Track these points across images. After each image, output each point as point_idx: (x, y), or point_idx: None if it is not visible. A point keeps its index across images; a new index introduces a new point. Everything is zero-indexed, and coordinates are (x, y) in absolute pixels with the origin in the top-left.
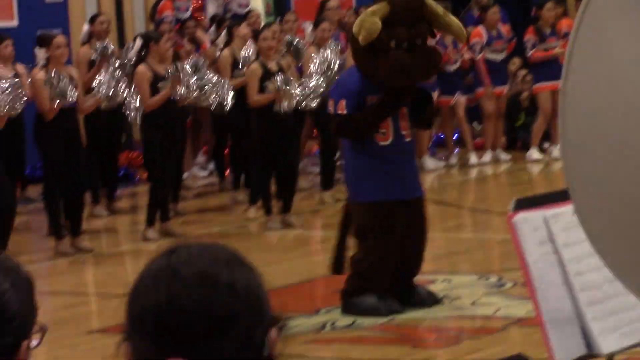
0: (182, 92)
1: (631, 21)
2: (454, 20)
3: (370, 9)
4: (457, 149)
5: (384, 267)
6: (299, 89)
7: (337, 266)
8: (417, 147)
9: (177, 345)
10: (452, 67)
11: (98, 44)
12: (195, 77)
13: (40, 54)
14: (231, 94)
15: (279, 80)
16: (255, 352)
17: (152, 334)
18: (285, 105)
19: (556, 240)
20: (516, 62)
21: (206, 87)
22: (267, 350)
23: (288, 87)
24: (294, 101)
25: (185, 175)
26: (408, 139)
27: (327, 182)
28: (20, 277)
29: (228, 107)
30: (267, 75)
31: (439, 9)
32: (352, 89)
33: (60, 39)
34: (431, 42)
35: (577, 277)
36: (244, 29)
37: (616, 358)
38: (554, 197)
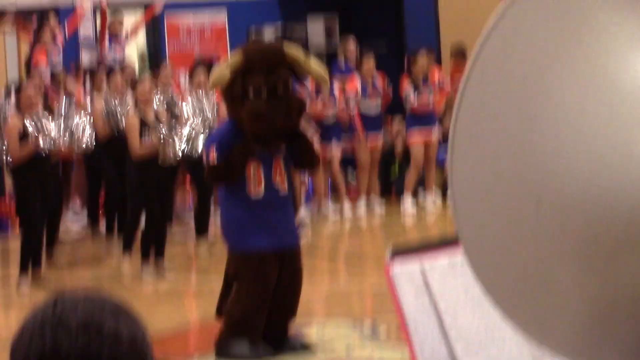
0: (47, 143)
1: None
2: (314, 66)
3: (227, 60)
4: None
5: (255, 315)
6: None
7: (220, 310)
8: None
9: None
10: (330, 119)
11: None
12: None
13: None
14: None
15: (163, 129)
16: None
17: None
18: (170, 154)
19: (432, 291)
20: (397, 118)
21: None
22: None
23: (171, 136)
24: (178, 150)
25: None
26: (283, 191)
27: (201, 228)
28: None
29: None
30: (144, 126)
31: (300, 55)
32: (223, 138)
33: None
34: (297, 87)
35: (452, 328)
36: (118, 79)
37: None
38: (431, 244)
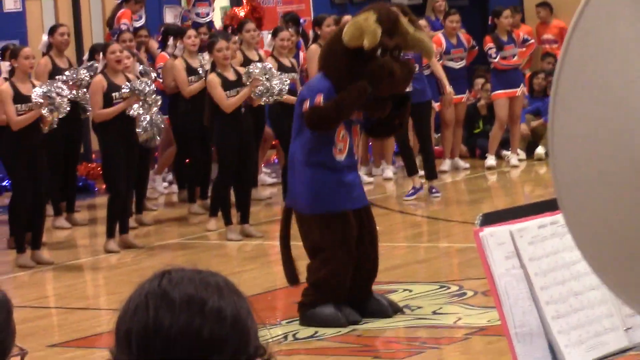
0: (138, 110)
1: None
2: (425, 36)
3: (360, 15)
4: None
5: (340, 277)
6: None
7: (292, 277)
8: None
9: None
10: (426, 72)
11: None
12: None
13: (4, 66)
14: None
15: (257, 67)
16: None
17: (137, 354)
18: (263, 96)
19: (522, 255)
20: (482, 70)
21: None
22: None
23: (264, 75)
24: (272, 92)
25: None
26: (356, 155)
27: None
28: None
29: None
30: (226, 84)
31: (410, 26)
32: (327, 86)
33: (28, 50)
34: None
35: (542, 291)
36: (188, 40)
37: None
38: (520, 211)
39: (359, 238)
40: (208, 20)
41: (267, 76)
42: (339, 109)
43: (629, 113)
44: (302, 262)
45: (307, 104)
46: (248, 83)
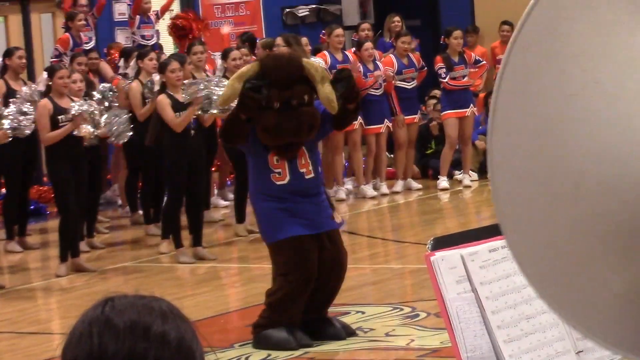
0: (87, 129)
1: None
2: (325, 91)
3: (240, 70)
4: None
5: (293, 301)
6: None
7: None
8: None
9: None
10: (378, 92)
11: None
12: (104, 114)
13: None
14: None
15: (192, 82)
16: None
17: None
18: (208, 107)
19: (473, 279)
20: (437, 93)
21: (113, 121)
22: None
23: (200, 85)
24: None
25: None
26: (309, 176)
27: (240, 215)
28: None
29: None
30: (176, 105)
31: (317, 74)
32: None
33: None
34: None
35: (493, 315)
36: (149, 62)
37: None
38: (471, 235)
39: (320, 263)
40: (153, 42)
41: (202, 86)
42: (230, 122)
43: (568, 127)
44: (251, 285)
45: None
46: (188, 99)
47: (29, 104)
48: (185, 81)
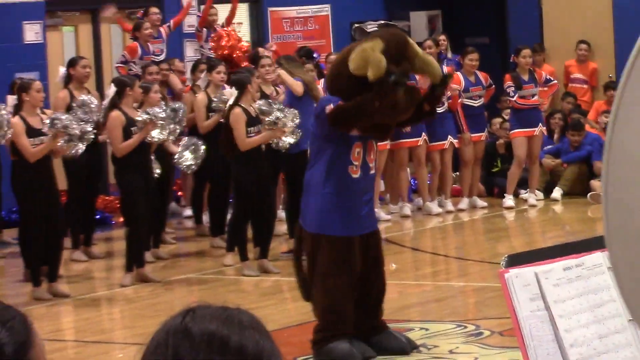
0: (156, 135)
1: None
2: (433, 60)
3: (366, 44)
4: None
5: (342, 306)
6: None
7: (306, 293)
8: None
9: None
10: (442, 109)
11: (217, 95)
12: (171, 121)
13: (11, 100)
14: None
15: (275, 112)
16: None
17: None
18: (285, 140)
19: (546, 297)
20: (508, 111)
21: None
22: None
23: (284, 118)
24: (291, 135)
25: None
26: (372, 172)
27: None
28: (16, 320)
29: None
30: (249, 119)
31: (419, 49)
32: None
33: (39, 83)
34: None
35: (566, 334)
36: (217, 75)
37: None
38: (545, 253)
39: (363, 264)
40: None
41: (288, 124)
42: (359, 107)
43: None
44: None
45: (329, 107)
46: (268, 126)
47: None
48: (262, 102)
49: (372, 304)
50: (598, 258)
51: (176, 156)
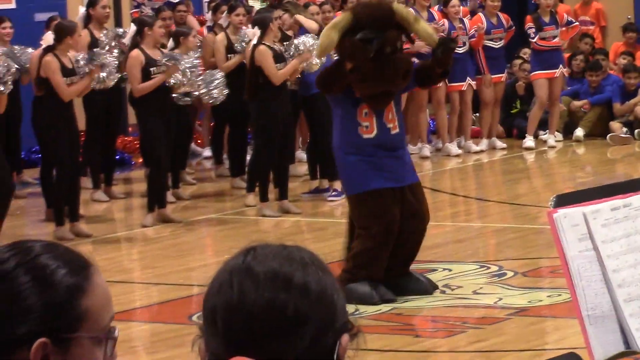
0: (178, 79)
1: None
2: (423, 27)
3: (334, 20)
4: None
5: (374, 254)
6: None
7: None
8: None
9: (245, 343)
10: (461, 50)
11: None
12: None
13: (48, 37)
14: (224, 89)
15: (303, 41)
16: (325, 356)
17: (222, 330)
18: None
19: (595, 237)
20: (527, 52)
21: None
22: (337, 355)
23: (308, 48)
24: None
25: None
26: (395, 131)
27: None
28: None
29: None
30: (275, 55)
31: (410, 15)
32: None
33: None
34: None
35: (614, 274)
36: (236, 17)
37: None
38: (593, 193)
39: (403, 216)
40: None
41: (311, 41)
42: (332, 70)
43: None
44: (337, 240)
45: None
46: (295, 55)
47: (108, 54)
48: (304, 40)
49: (403, 256)
50: None
51: (202, 91)
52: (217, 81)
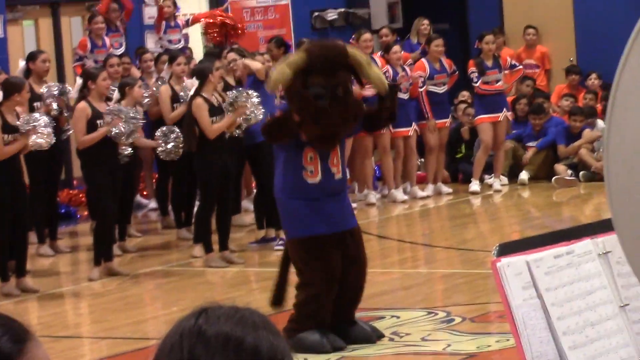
0: (121, 129)
1: None
2: (375, 72)
3: (288, 57)
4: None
5: (320, 301)
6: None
7: (276, 299)
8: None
9: None
10: (405, 95)
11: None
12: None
13: None
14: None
15: (236, 96)
16: None
17: None
18: (253, 115)
19: (538, 285)
20: (465, 95)
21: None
22: None
23: (240, 96)
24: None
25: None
26: (338, 176)
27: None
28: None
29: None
30: (211, 109)
31: (363, 59)
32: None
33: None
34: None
35: (559, 322)
36: (177, 67)
37: None
38: (535, 241)
39: (344, 262)
40: (181, 46)
41: (249, 102)
42: (280, 121)
43: None
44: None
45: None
46: (230, 109)
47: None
48: (240, 95)
49: (346, 302)
50: (587, 245)
51: (160, 148)
52: (173, 136)
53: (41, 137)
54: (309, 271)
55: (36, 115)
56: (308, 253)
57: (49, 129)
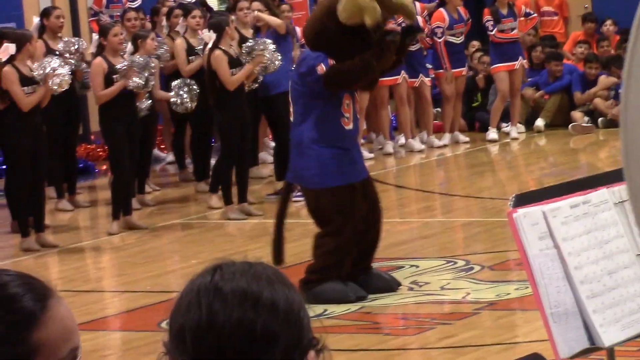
0: (137, 82)
1: None
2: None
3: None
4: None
5: (346, 252)
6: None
7: (278, 256)
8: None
9: None
10: (414, 48)
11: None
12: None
13: (9, 49)
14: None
15: (253, 45)
16: None
17: (190, 350)
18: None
19: (555, 235)
20: (475, 44)
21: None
22: None
23: (256, 46)
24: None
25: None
26: (358, 119)
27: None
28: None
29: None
30: (230, 60)
31: None
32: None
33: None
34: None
35: (576, 271)
36: (192, 20)
37: (617, 349)
38: (552, 191)
39: (365, 210)
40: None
41: (266, 51)
42: (358, 68)
43: None
44: (303, 240)
45: (321, 68)
46: (247, 60)
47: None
48: (256, 44)
49: (367, 247)
50: (603, 194)
51: (173, 99)
52: (187, 88)
53: (59, 77)
54: (340, 220)
55: (47, 59)
56: (340, 202)
57: (65, 69)
